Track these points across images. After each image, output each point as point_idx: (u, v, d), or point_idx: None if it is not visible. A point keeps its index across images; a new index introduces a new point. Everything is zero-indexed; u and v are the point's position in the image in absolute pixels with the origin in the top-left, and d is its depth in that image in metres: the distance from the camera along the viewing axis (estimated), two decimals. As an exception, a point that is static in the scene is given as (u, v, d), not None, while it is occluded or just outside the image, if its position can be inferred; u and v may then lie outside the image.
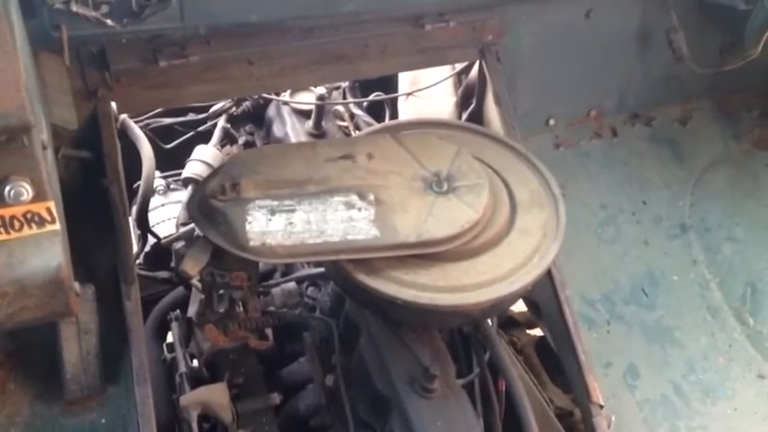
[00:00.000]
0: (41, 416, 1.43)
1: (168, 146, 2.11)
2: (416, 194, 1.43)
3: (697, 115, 2.12)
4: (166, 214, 2.07)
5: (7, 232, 0.99)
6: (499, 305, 1.46)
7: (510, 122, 1.74)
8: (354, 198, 1.41)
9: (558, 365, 1.93)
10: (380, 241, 1.36)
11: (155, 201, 2.07)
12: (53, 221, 1.01)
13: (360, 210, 1.39)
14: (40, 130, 1.05)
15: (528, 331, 2.12)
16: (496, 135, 1.67)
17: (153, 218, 2.00)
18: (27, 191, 0.98)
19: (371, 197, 1.41)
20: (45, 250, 1.01)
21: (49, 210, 1.01)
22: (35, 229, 1.01)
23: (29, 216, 1.00)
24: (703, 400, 1.73)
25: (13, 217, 0.99)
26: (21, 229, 1.00)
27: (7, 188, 0.97)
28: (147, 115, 2.07)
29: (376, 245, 1.36)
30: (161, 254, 1.84)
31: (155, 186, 2.00)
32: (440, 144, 1.54)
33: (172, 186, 2.15)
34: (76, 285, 1.09)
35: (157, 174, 2.08)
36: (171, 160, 2.10)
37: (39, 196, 1.00)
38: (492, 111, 1.81)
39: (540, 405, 1.78)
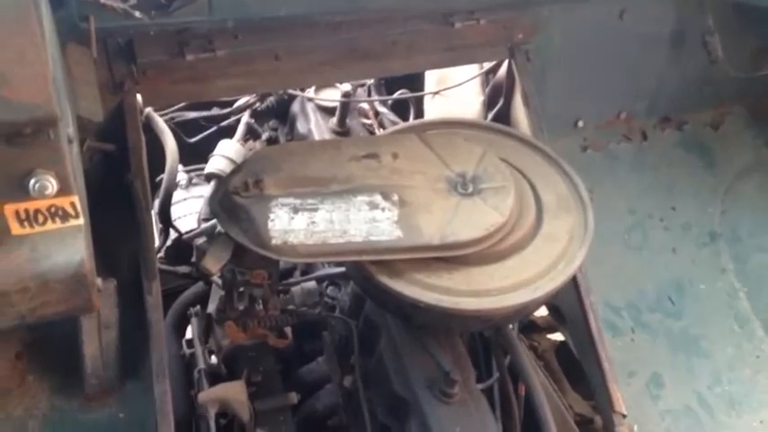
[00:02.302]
0: (60, 409, 1.43)
1: (192, 140, 2.10)
2: (441, 196, 1.41)
3: (729, 120, 2.07)
4: (188, 209, 2.07)
5: (31, 226, 0.99)
6: (522, 311, 1.43)
7: (538, 124, 1.71)
8: (378, 198, 1.39)
9: (578, 371, 1.90)
10: (404, 243, 1.34)
11: (177, 195, 2.06)
12: (77, 216, 1.00)
13: (383, 210, 1.37)
14: (67, 123, 1.04)
15: (548, 336, 2.09)
16: (524, 136, 1.64)
17: (175, 212, 2.00)
18: (52, 185, 0.97)
19: (395, 197, 1.39)
20: (68, 245, 1.00)
21: (73, 204, 1.00)
22: (59, 224, 1.00)
23: (53, 210, 0.99)
24: (728, 412, 1.69)
25: (37, 211, 0.99)
26: (44, 223, 0.99)
27: (32, 181, 0.97)
28: (171, 109, 2.06)
29: (399, 246, 1.34)
30: (182, 248, 1.83)
31: (177, 180, 1.99)
32: (466, 145, 1.52)
33: (194, 181, 2.14)
34: (98, 281, 1.09)
35: (180, 168, 2.07)
36: (194, 154, 2.09)
37: (63, 190, 0.99)
38: (519, 111, 1.78)
39: (560, 411, 1.75)
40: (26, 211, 0.98)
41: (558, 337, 2.07)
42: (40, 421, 1.41)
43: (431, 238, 1.35)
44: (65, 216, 1.00)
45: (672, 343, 1.76)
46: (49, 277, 1.01)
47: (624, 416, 1.54)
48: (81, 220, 1.01)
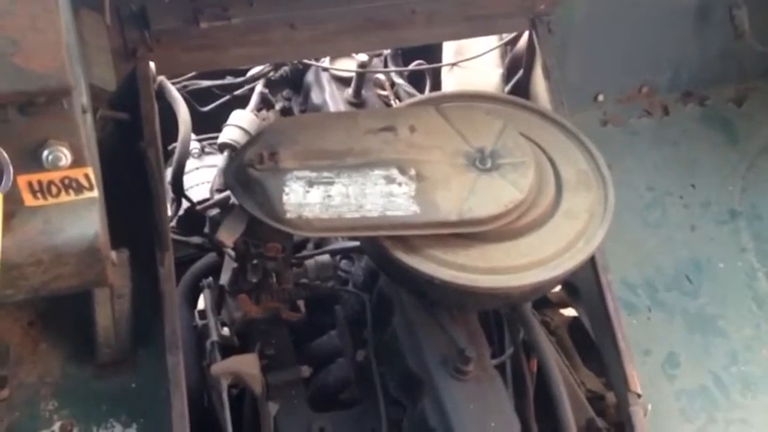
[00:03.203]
0: (72, 377, 1.43)
1: (204, 109, 2.07)
2: (459, 171, 1.39)
3: (753, 96, 2.02)
4: (201, 178, 2.05)
5: (44, 198, 0.97)
6: (540, 289, 1.42)
7: (558, 97, 1.68)
8: (395, 172, 1.37)
9: (590, 348, 1.89)
10: (420, 218, 1.32)
11: (189, 164, 2.04)
12: (91, 188, 0.99)
13: (400, 185, 1.35)
14: (80, 92, 1.02)
15: (561, 311, 2.08)
16: (544, 111, 1.61)
17: (187, 181, 1.97)
18: (65, 156, 0.96)
19: (412, 172, 1.36)
20: (82, 218, 0.99)
21: (87, 176, 0.98)
22: (72, 196, 0.98)
23: (66, 182, 0.98)
24: (744, 392, 1.67)
25: (50, 182, 0.97)
26: (58, 195, 0.98)
27: (45, 152, 0.95)
28: (183, 77, 2.04)
29: (416, 222, 1.32)
30: (195, 218, 1.82)
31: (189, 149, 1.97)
32: (485, 119, 1.49)
33: (207, 150, 2.12)
34: (112, 254, 1.07)
35: (192, 137, 2.05)
36: (206, 123, 2.07)
37: (77, 162, 0.97)
38: (539, 84, 1.75)
39: (572, 388, 1.74)
40: (39, 182, 0.97)
41: (570, 312, 2.05)
42: (52, 389, 1.41)
43: (448, 214, 1.33)
44: (78, 188, 0.98)
45: (688, 322, 1.74)
46: (63, 250, 1.00)
47: (639, 395, 1.53)
48: (95, 193, 0.99)
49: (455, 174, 1.38)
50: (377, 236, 1.33)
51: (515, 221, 1.36)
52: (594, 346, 1.78)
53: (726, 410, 1.65)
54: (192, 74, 2.06)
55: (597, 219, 1.42)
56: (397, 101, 2.00)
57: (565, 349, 1.96)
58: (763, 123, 2.00)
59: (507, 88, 1.90)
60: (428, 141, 1.42)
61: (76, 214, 0.99)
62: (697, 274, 1.80)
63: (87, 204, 0.99)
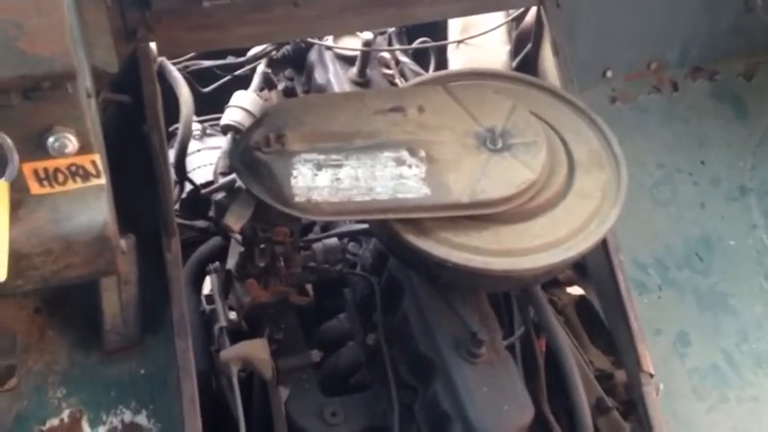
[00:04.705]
0: (80, 364, 1.41)
1: (206, 89, 2.04)
2: (470, 152, 1.36)
3: (763, 70, 1.99)
4: (203, 160, 2.02)
5: (51, 185, 0.95)
6: (553, 271, 1.40)
7: (568, 74, 1.65)
8: (405, 154, 1.34)
9: (598, 326, 1.88)
10: (432, 201, 1.30)
11: (191, 146, 2.00)
12: (98, 175, 0.96)
13: (410, 167, 1.33)
14: (84, 76, 0.99)
15: (568, 290, 2.06)
16: (555, 89, 1.58)
17: (189, 163, 1.95)
18: (72, 142, 0.93)
19: (422, 153, 1.34)
20: (90, 206, 0.97)
21: (94, 163, 0.96)
22: (80, 183, 0.96)
23: (73, 169, 0.95)
24: (755, 370, 1.67)
25: (56, 170, 0.95)
26: (65, 182, 0.95)
27: (51, 139, 0.92)
28: (184, 57, 2.00)
29: (427, 204, 1.30)
30: (198, 201, 1.80)
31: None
32: (495, 98, 1.46)
33: (208, 131, 2.09)
34: (122, 243, 1.05)
35: (194, 118, 2.01)
36: (208, 104, 2.04)
37: (84, 148, 0.95)
38: (548, 61, 1.71)
39: (581, 368, 1.73)
40: (45, 170, 0.94)
41: (576, 290, 2.04)
42: (59, 376, 1.40)
43: (460, 196, 1.30)
44: (86, 175, 0.96)
45: (699, 301, 1.73)
46: (72, 239, 0.97)
47: (652, 375, 1.52)
48: (103, 180, 0.97)
49: (466, 155, 1.35)
50: (387, 219, 1.31)
51: (528, 202, 1.34)
52: (602, 324, 1.78)
53: (737, 388, 1.65)
54: (192, 54, 2.03)
55: (610, 199, 1.40)
56: (402, 79, 1.97)
57: (572, 328, 1.96)
58: (774, 98, 1.97)
59: (513, 64, 1.87)
60: (437, 122, 1.39)
61: (84, 202, 0.96)
62: (707, 251, 1.79)
63: (95, 192, 0.97)
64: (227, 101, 1.94)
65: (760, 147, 1.91)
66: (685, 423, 1.61)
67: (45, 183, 0.94)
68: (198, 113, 2.05)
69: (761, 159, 1.90)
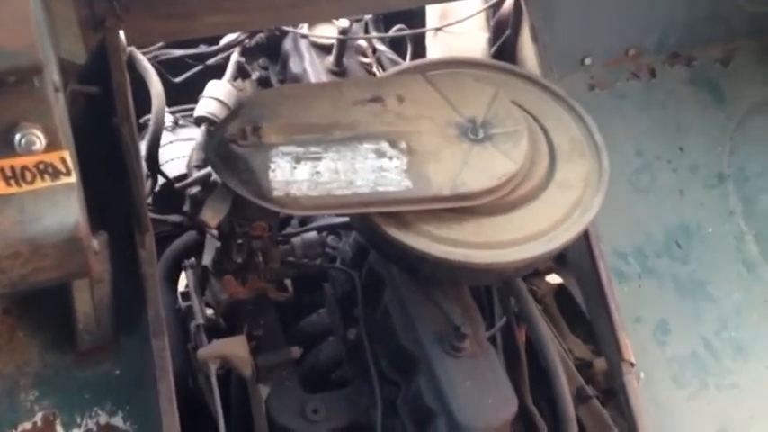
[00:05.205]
0: (53, 366, 1.37)
1: (177, 79, 1.99)
2: (450, 142, 1.34)
3: (739, 56, 1.99)
4: (175, 152, 1.97)
5: (18, 185, 0.91)
6: (535, 262, 1.39)
7: (547, 62, 1.63)
8: (385, 146, 1.32)
9: (577, 315, 1.88)
10: (413, 194, 1.28)
11: (163, 138, 1.96)
12: (68, 173, 0.92)
13: (391, 159, 1.30)
14: (51, 69, 0.94)
15: (546, 278, 2.06)
16: (534, 77, 1.56)
17: (161, 156, 1.90)
18: (39, 139, 0.89)
19: (403, 145, 1.32)
20: (60, 206, 0.92)
21: (63, 160, 0.92)
22: (49, 182, 0.92)
23: (41, 167, 0.91)
24: (735, 357, 1.68)
25: (24, 168, 0.90)
26: (33, 181, 0.91)
27: (18, 136, 0.88)
28: (154, 47, 1.94)
29: (408, 197, 1.28)
30: (172, 194, 1.75)
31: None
32: (475, 86, 1.44)
33: (180, 123, 2.04)
34: (94, 242, 1.01)
35: (166, 109, 1.96)
36: (179, 94, 1.99)
37: (52, 145, 0.90)
38: (527, 48, 1.69)
39: (561, 357, 1.73)
40: (12, 168, 0.90)
41: (555, 279, 2.04)
42: (32, 378, 1.36)
43: (441, 189, 1.28)
44: (55, 173, 0.92)
45: (678, 288, 1.73)
46: (42, 242, 0.93)
47: (633, 364, 1.52)
48: (73, 178, 0.93)
49: (447, 145, 1.33)
50: (368, 213, 1.29)
51: (509, 194, 1.33)
52: (581, 313, 1.78)
53: (717, 376, 1.65)
54: (162, 43, 1.97)
55: (592, 188, 1.39)
56: (379, 68, 1.94)
57: (552, 317, 1.96)
58: (750, 83, 1.97)
59: (492, 52, 1.85)
60: (417, 112, 1.37)
61: (54, 202, 0.92)
62: (686, 239, 1.79)
63: (65, 191, 0.93)
64: (200, 91, 1.89)
65: (737, 131, 1.92)
66: (666, 411, 1.61)
67: (12, 182, 0.90)
68: (169, 104, 2.00)
69: (738, 144, 1.91)
